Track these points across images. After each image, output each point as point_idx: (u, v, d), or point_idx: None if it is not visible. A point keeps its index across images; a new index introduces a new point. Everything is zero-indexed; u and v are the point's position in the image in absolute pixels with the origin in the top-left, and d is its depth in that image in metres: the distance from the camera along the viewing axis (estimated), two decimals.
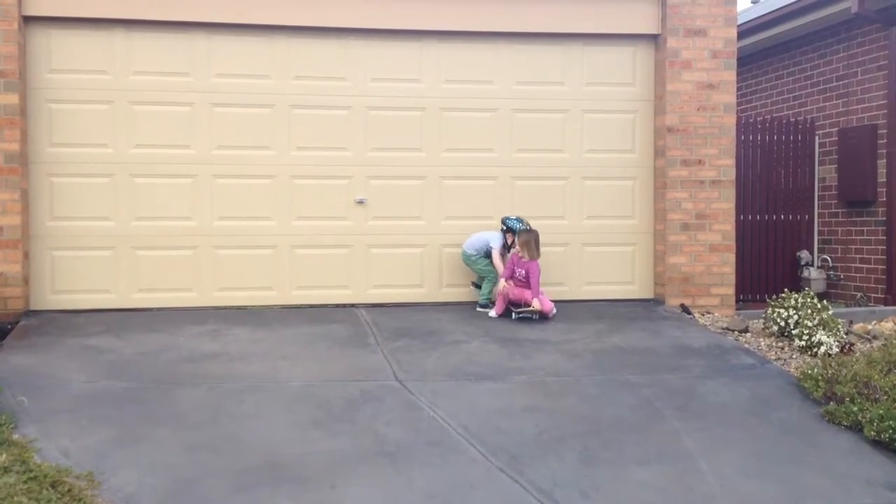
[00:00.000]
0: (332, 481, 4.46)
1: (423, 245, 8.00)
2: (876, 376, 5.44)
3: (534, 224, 7.77)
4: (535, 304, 7.35)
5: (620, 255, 8.27)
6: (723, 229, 8.12)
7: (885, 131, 8.89)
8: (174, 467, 4.54)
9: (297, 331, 6.94)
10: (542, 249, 7.66)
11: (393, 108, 7.91)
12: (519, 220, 7.72)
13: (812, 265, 9.89)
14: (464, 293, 8.03)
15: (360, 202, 7.85)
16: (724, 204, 8.11)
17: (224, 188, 7.68)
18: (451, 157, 8.01)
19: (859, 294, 9.35)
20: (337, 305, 7.83)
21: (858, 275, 9.46)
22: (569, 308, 7.83)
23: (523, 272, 7.50)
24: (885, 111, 8.89)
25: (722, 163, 8.09)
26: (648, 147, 8.24)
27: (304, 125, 7.77)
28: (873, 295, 9.17)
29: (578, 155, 8.17)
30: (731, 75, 8.06)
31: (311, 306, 7.78)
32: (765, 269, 9.80)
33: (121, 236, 7.53)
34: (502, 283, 7.53)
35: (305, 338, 6.76)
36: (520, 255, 7.51)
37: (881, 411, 5.08)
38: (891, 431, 4.97)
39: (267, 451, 4.76)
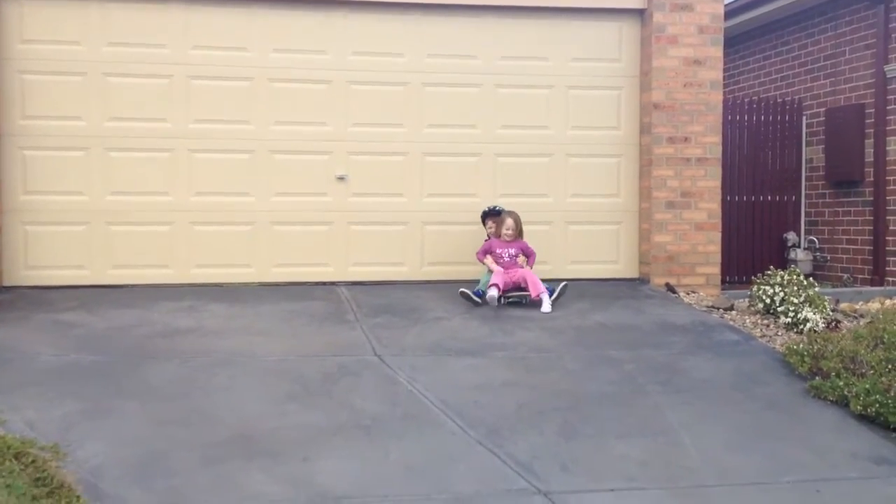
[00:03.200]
0: (306, 454, 4.35)
1: (404, 222, 7.86)
2: (862, 351, 5.36)
3: (517, 202, 7.66)
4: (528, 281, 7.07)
5: (605, 234, 8.15)
6: (709, 208, 8.01)
7: (873, 110, 8.81)
8: (143, 440, 4.41)
9: (275, 307, 6.80)
10: (525, 228, 7.53)
11: (374, 83, 7.75)
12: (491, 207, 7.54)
13: (799, 246, 9.81)
14: (446, 272, 7.87)
15: (341, 178, 7.71)
16: (710, 182, 8.01)
17: (201, 163, 7.52)
18: (433, 133, 7.86)
19: (846, 275, 9.28)
20: (316, 283, 7.68)
21: (845, 256, 9.39)
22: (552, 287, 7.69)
23: (511, 251, 7.29)
24: (873, 90, 8.80)
25: (708, 140, 7.98)
26: (634, 124, 8.12)
27: (283, 99, 7.61)
28: (860, 276, 9.10)
29: (563, 132, 8.04)
30: (717, 51, 7.94)
31: (290, 284, 7.63)
32: (751, 251, 9.71)
33: (95, 211, 7.36)
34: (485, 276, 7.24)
35: (283, 314, 6.63)
36: (505, 234, 7.28)
37: (867, 385, 5.00)
38: (877, 406, 4.88)
39: (239, 425, 4.64)
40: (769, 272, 7.06)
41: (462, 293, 7.03)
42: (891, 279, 8.63)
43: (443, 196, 7.90)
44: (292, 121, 7.64)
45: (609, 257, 8.16)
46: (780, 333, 6.51)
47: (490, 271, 7.17)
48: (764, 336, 6.46)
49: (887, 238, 8.70)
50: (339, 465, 4.26)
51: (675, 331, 6.49)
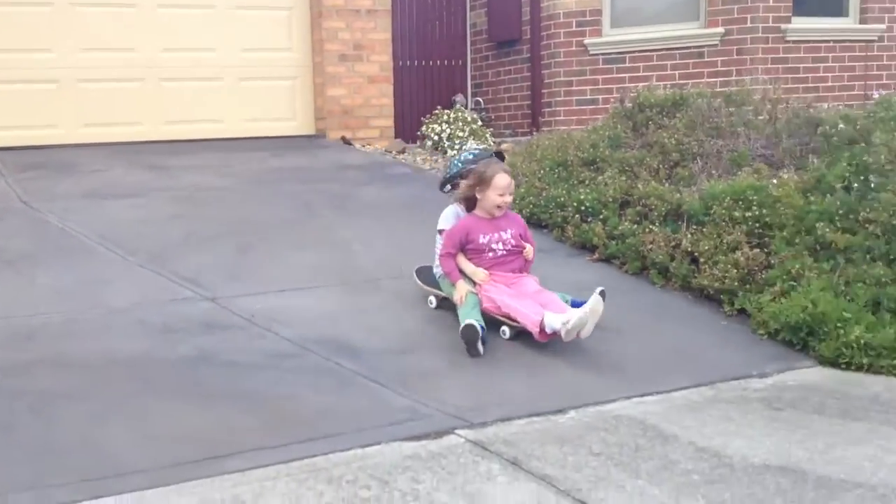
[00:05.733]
0: None
1: (55, 80, 7.05)
2: (519, 163, 5.72)
3: (181, 56, 7.15)
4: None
5: (280, 90, 7.91)
6: (381, 60, 8.07)
7: None
8: None
9: None
10: (192, 84, 7.08)
11: None
12: (470, 152, 4.51)
13: (466, 107, 10.26)
14: (105, 134, 7.21)
15: None
16: (381, 34, 8.05)
17: None
18: None
19: (508, 131, 9.88)
20: None
21: (507, 113, 9.96)
22: (227, 144, 7.37)
23: (507, 235, 3.95)
24: None
25: None
26: None
27: None
28: (520, 130, 9.72)
29: None
30: None
31: None
32: (422, 113, 9.97)
33: None
34: (462, 284, 3.82)
35: None
36: (494, 207, 3.96)
37: (522, 190, 5.35)
38: (531, 207, 5.26)
39: None
40: (436, 112, 7.28)
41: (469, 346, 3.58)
42: (545, 129, 9.31)
43: (98, 51, 7.18)
44: None
45: (285, 114, 7.96)
46: None
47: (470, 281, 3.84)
48: (433, 169, 6.71)
49: (542, 91, 9.35)
50: None
51: (350, 169, 6.52)
